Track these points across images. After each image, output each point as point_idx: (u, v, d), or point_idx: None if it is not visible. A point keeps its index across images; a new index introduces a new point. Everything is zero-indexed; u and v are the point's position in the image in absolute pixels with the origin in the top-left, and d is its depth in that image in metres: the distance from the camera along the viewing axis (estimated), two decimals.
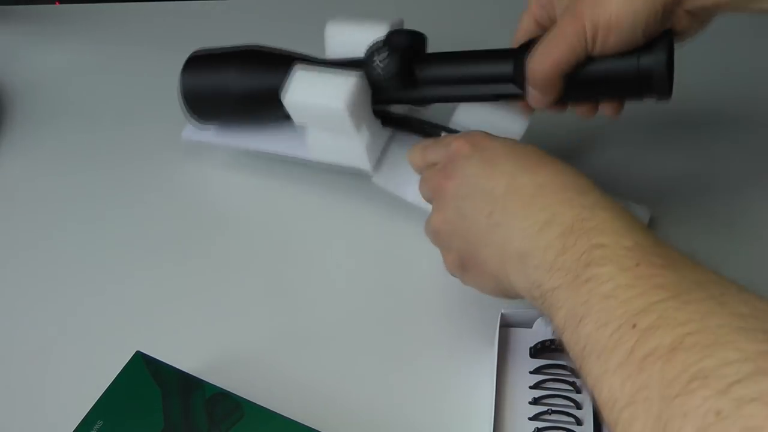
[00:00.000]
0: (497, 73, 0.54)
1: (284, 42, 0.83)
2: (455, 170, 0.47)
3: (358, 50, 0.59)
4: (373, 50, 0.56)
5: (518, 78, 0.52)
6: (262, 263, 0.62)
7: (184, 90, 0.64)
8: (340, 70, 0.58)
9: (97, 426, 0.47)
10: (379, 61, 0.55)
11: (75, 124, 0.74)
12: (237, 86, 0.61)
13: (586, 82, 0.49)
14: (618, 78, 0.49)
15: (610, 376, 0.32)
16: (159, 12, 0.86)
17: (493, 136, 0.48)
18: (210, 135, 0.67)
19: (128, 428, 0.47)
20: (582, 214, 0.39)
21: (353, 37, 0.60)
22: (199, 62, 0.64)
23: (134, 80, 0.78)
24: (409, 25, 0.59)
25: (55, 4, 0.87)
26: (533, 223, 0.40)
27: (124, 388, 0.49)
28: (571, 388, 0.50)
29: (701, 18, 0.47)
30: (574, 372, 0.51)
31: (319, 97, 0.56)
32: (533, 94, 0.51)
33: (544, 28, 0.52)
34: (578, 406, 0.49)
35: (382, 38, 0.57)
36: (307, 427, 0.47)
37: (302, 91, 0.57)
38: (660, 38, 0.48)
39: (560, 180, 0.42)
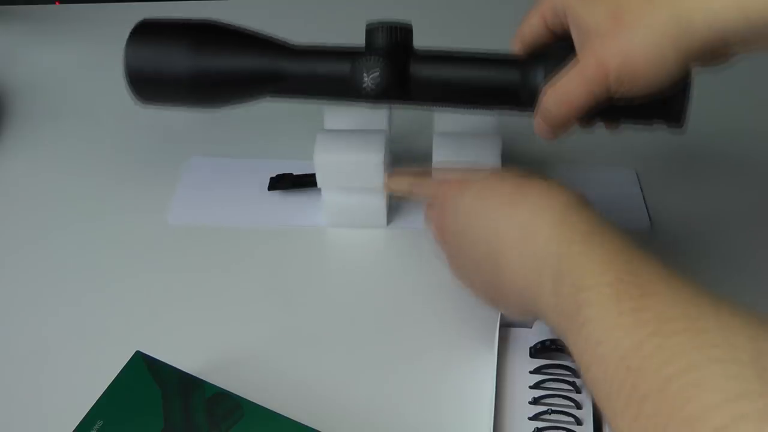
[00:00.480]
0: (502, 85, 0.51)
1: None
2: (450, 213, 0.48)
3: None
4: (360, 67, 0.51)
5: (525, 95, 0.50)
6: (262, 263, 0.62)
7: (130, 68, 0.56)
8: (362, 132, 0.60)
9: (97, 426, 0.47)
10: (370, 81, 0.51)
11: (75, 123, 0.74)
12: (193, 67, 0.55)
13: (599, 112, 0.48)
14: (633, 109, 0.48)
15: (618, 419, 0.34)
16: (159, 12, 0.86)
17: (477, 171, 0.49)
18: (201, 215, 0.65)
19: (128, 428, 0.47)
20: (564, 253, 0.40)
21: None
22: (148, 34, 0.57)
23: None
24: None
25: (55, 4, 0.87)
26: (529, 272, 0.41)
27: (124, 388, 0.49)
28: (571, 388, 0.50)
29: (728, 58, 0.46)
30: (574, 372, 0.51)
31: (353, 152, 0.59)
32: (542, 128, 0.49)
33: (551, 34, 0.50)
34: (578, 406, 0.49)
35: (363, 45, 0.53)
36: (307, 427, 0.47)
37: (333, 148, 0.59)
38: None
39: (538, 219, 0.42)
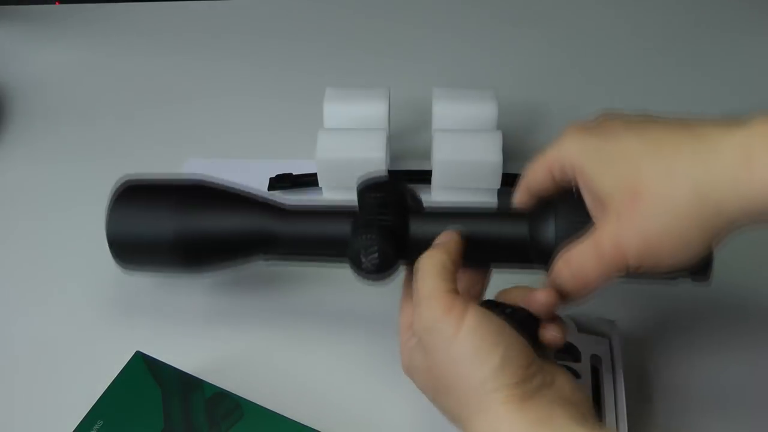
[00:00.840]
0: (510, 243, 0.46)
1: (284, 41, 0.83)
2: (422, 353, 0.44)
3: (354, 121, 0.61)
4: (359, 247, 0.46)
5: (534, 254, 0.46)
6: (262, 263, 0.61)
7: (111, 231, 0.52)
8: (362, 130, 0.60)
9: (97, 426, 0.47)
10: (369, 263, 0.46)
11: (75, 123, 0.74)
12: (179, 230, 0.50)
13: None
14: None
15: None
16: (159, 12, 0.86)
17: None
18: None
19: (128, 428, 0.47)
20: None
21: (351, 108, 0.62)
22: (133, 196, 0.53)
23: (134, 80, 0.78)
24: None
25: (55, 4, 0.87)
26: None
27: (124, 388, 0.49)
28: None
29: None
30: (574, 372, 0.50)
31: (354, 151, 0.59)
32: (554, 299, 0.44)
33: (556, 186, 0.45)
34: None
35: (357, 208, 0.48)
36: (307, 427, 0.47)
37: (334, 147, 0.60)
38: None
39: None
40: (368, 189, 0.48)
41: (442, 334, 0.40)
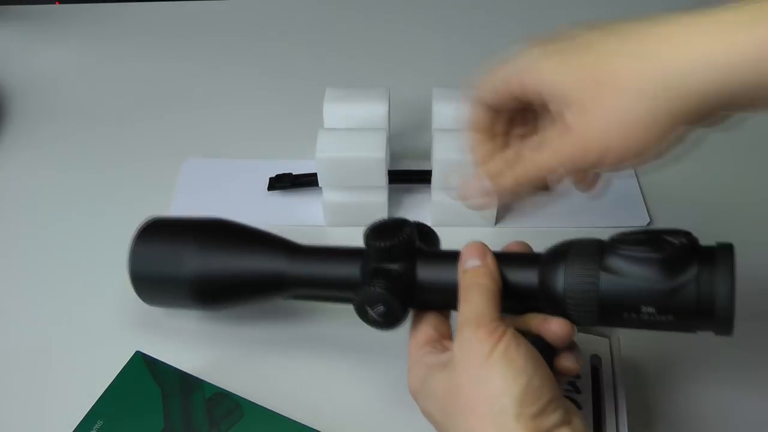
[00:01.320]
0: (518, 289, 0.44)
1: (284, 41, 0.83)
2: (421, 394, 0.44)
3: (355, 120, 0.62)
4: (364, 299, 0.45)
5: (543, 301, 0.44)
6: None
7: (133, 269, 0.53)
8: (362, 130, 0.61)
9: (97, 426, 0.47)
10: (375, 315, 0.46)
11: (74, 124, 0.74)
12: (204, 269, 0.51)
13: (640, 323, 0.42)
14: (679, 323, 0.42)
15: None
16: (159, 12, 0.86)
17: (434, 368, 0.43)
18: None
19: (128, 428, 0.47)
20: None
21: (351, 109, 0.63)
22: (156, 234, 0.54)
23: (134, 80, 0.78)
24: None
25: (55, 3, 0.87)
26: None
27: (124, 388, 0.49)
28: (571, 388, 0.50)
29: (721, 121, 0.40)
30: None
31: (354, 151, 0.59)
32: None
33: (514, 102, 0.44)
34: (578, 407, 0.49)
35: (364, 253, 0.47)
36: (307, 427, 0.47)
37: (334, 146, 0.60)
38: (720, 257, 0.40)
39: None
40: (375, 235, 0.46)
41: (477, 354, 0.40)
